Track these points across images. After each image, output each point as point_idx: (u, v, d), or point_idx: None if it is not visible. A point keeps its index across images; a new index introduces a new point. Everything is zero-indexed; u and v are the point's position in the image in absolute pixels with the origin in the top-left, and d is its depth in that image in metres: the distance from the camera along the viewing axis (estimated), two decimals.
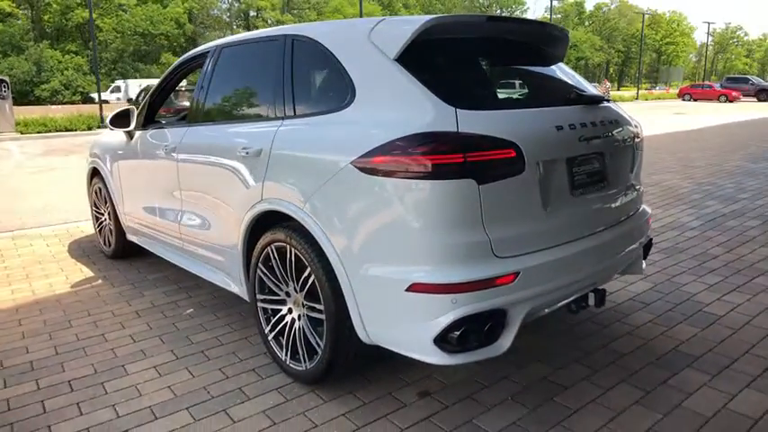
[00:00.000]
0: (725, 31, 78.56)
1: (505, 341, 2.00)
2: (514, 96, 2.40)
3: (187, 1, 56.03)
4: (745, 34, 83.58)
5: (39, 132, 17.30)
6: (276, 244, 2.43)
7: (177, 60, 3.69)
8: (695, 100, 36.78)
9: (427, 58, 2.14)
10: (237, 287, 2.86)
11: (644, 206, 2.77)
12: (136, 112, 3.81)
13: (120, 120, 3.80)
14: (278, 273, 2.50)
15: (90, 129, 18.25)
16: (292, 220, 2.33)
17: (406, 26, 2.13)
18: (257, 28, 58.40)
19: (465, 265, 1.89)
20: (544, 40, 2.57)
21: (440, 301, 1.88)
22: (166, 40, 54.24)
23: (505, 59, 2.48)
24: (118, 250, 4.46)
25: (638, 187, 2.69)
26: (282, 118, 2.48)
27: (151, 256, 4.43)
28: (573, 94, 2.41)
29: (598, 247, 2.29)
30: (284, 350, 2.52)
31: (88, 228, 5.62)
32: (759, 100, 35.28)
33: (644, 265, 2.75)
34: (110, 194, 4.29)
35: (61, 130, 17.78)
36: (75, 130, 18.05)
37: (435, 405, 2.28)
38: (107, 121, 3.77)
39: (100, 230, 4.70)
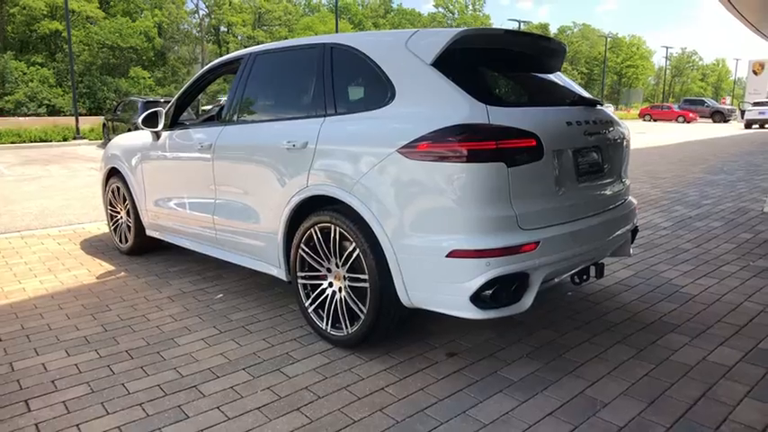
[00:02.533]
0: (681, 56, 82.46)
1: (528, 300, 2.39)
2: (527, 97, 2.83)
3: (157, 15, 55.80)
4: (700, 59, 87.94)
5: (12, 143, 17.13)
6: (320, 225, 2.78)
7: (207, 66, 4.02)
8: (655, 120, 38.50)
9: (458, 64, 2.54)
10: (276, 269, 3.18)
11: (631, 197, 3.22)
12: (164, 114, 4.11)
13: (149, 121, 4.10)
14: (320, 251, 2.84)
15: (65, 140, 18.17)
16: (337, 202, 2.69)
17: (440, 37, 2.54)
18: (228, 43, 58.43)
19: (496, 234, 2.28)
20: (548, 52, 3.01)
21: (476, 264, 2.26)
22: (135, 53, 53.80)
23: (517, 66, 2.91)
24: (135, 246, 4.70)
25: (625, 180, 3.14)
26: (324, 115, 2.84)
27: (167, 251, 4.69)
28: (576, 97, 2.86)
29: (598, 226, 2.71)
30: (324, 320, 2.85)
31: (93, 229, 5.83)
32: (714, 121, 37.17)
33: (631, 250, 3.19)
34: (130, 192, 4.55)
35: (36, 141, 17.65)
36: (50, 141, 17.93)
37: (462, 362, 2.65)
38: (138, 121, 4.07)
39: (115, 228, 4.93)
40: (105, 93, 47.49)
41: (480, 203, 2.27)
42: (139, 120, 4.04)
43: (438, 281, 2.37)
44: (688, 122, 36.01)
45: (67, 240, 5.38)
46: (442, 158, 2.29)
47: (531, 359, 2.66)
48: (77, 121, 19.17)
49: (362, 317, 2.65)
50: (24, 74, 47.58)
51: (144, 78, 50.62)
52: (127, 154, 4.56)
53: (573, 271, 2.71)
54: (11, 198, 8.11)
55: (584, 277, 2.86)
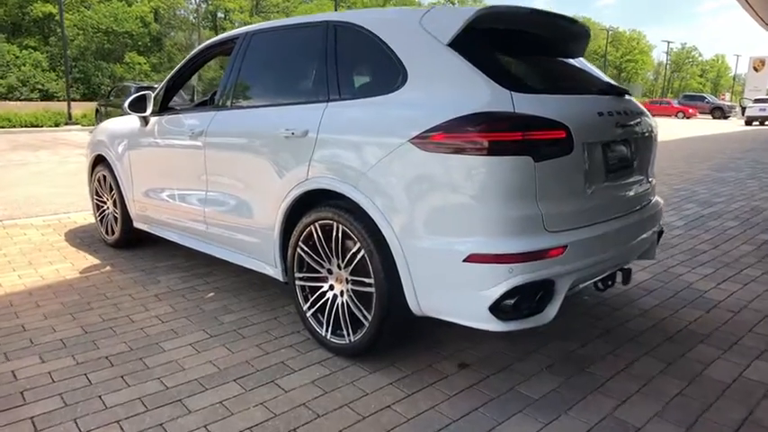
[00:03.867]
0: (681, 51, 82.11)
1: (552, 310, 2.14)
2: (554, 83, 2.56)
3: (153, 0, 55.06)
4: (700, 55, 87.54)
5: (2, 128, 16.75)
6: (321, 222, 2.52)
7: (199, 46, 3.74)
8: (654, 116, 38.07)
9: (478, 45, 2.28)
10: (271, 268, 2.93)
11: (657, 196, 2.98)
12: (152, 97, 3.83)
13: (137, 105, 3.82)
14: (320, 250, 2.58)
15: (57, 125, 17.79)
16: (341, 197, 2.43)
17: (459, 14, 2.27)
18: (224, 30, 57.77)
19: (521, 237, 2.03)
20: (573, 36, 2.75)
21: (497, 270, 2.01)
22: (130, 38, 53.10)
23: (541, 50, 2.65)
24: (122, 238, 4.43)
25: (652, 178, 2.89)
26: (327, 100, 2.58)
27: (155, 244, 4.42)
28: (605, 85, 2.60)
29: (626, 228, 2.47)
30: (324, 326, 2.60)
31: (80, 219, 5.55)
32: (714, 117, 36.99)
33: (656, 252, 2.95)
34: (117, 181, 4.27)
35: (26, 126, 17.26)
36: (41, 126, 17.55)
37: (476, 375, 2.41)
38: (125, 105, 3.78)
39: (101, 219, 4.66)
40: (100, 78, 46.92)
41: (503, 202, 2.01)
42: (125, 104, 3.76)
43: (453, 288, 2.12)
44: (688, 118, 35.80)
45: (52, 231, 5.11)
46: (461, 150, 2.03)
47: (552, 373, 2.42)
48: (69, 106, 18.79)
49: (366, 324, 2.41)
50: (17, 57, 46.91)
51: (139, 64, 50.08)
52: (113, 140, 4.28)
53: (600, 276, 2.47)
54: None
55: (609, 283, 2.62)
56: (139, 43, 52.88)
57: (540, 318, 2.12)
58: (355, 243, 2.38)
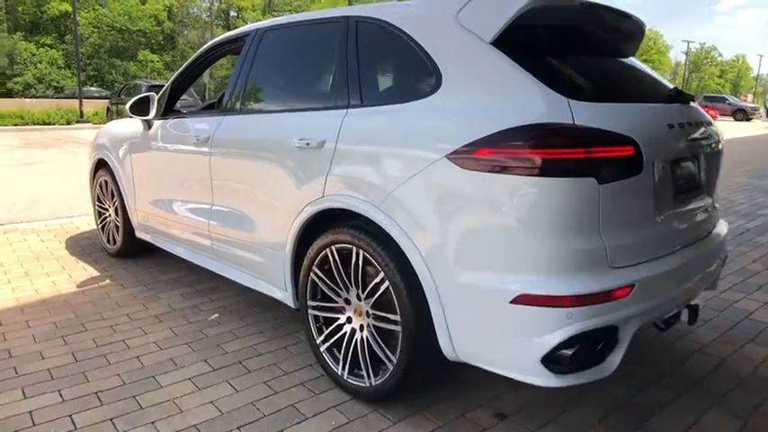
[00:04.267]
0: (699, 51, 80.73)
1: (615, 360, 1.80)
2: (615, 89, 2.21)
3: None
4: (719, 54, 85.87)
5: (15, 125, 16.64)
6: (338, 245, 2.20)
7: (207, 44, 3.44)
8: None
9: (527, 43, 1.95)
10: (281, 292, 2.61)
11: (722, 219, 2.62)
12: (156, 100, 3.53)
13: (140, 107, 3.52)
14: (337, 277, 2.26)
15: (69, 123, 17.67)
16: (362, 218, 2.10)
17: (503, 7, 1.93)
18: (237, 27, 57.69)
19: (581, 274, 1.69)
20: (626, 32, 2.40)
21: (552, 315, 1.67)
22: (144, 37, 53.19)
23: (593, 48, 2.29)
24: (123, 248, 4.15)
25: (716, 198, 2.54)
26: (347, 106, 2.25)
27: (159, 255, 4.13)
28: (673, 91, 2.24)
29: (696, 259, 2.11)
30: (340, 363, 2.28)
31: (83, 224, 5.28)
32: (735, 119, 36.08)
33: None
34: (119, 188, 3.98)
35: (39, 124, 17.14)
36: (54, 124, 17.43)
37: (517, 428, 2.07)
38: (126, 107, 3.49)
39: (103, 227, 4.38)
40: (114, 76, 47.06)
41: (560, 232, 1.68)
42: (127, 106, 3.47)
43: (497, 333, 1.79)
44: None
45: (53, 237, 4.84)
46: (509, 169, 1.70)
47: (606, 427, 2.08)
48: (81, 104, 18.66)
49: (390, 367, 2.08)
50: (33, 55, 47.23)
51: (152, 62, 50.21)
52: (115, 144, 3.99)
53: (667, 316, 2.12)
54: (3, 185, 7.58)
55: (672, 321, 2.26)
56: (153, 41, 52.98)
57: (600, 369, 1.78)
58: (378, 272, 2.06)
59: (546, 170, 1.65)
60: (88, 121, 18.06)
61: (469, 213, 1.79)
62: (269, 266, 2.65)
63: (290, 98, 2.75)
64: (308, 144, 2.30)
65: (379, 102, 2.20)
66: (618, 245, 1.75)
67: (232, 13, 61.82)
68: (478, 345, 1.85)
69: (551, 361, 1.71)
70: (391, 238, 1.98)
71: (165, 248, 3.64)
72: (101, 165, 4.25)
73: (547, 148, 1.65)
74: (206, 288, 3.55)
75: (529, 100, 1.76)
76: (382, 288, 2.05)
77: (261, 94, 2.91)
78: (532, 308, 1.69)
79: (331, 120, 2.26)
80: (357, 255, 2.13)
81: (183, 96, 3.82)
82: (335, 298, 2.31)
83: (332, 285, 2.30)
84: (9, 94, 42.86)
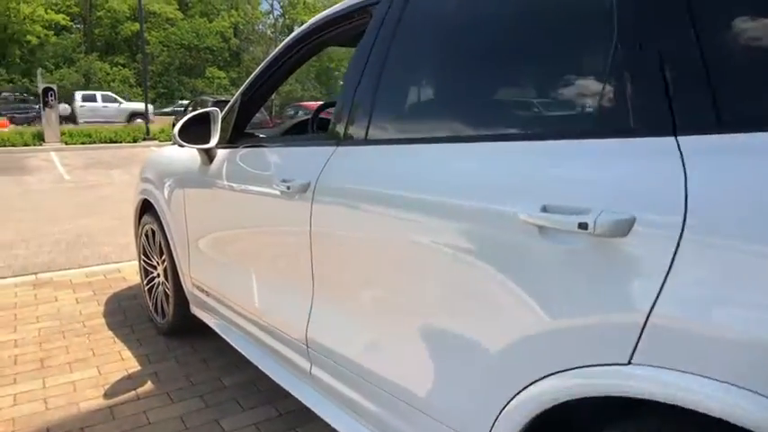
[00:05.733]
0: None
1: None
2: None
3: (233, 16, 56.12)
4: None
5: (83, 143, 16.34)
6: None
7: (294, 33, 2.19)
8: None
9: None
10: None
11: None
12: (219, 119, 2.33)
13: (194, 130, 2.31)
14: None
15: (135, 141, 17.27)
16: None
17: None
18: None
19: None
20: None
21: None
22: (211, 54, 54.20)
23: None
24: (175, 325, 2.98)
25: None
26: (673, 132, 0.90)
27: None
28: None
29: None
30: None
31: (130, 272, 4.20)
32: None
33: None
34: (168, 243, 2.81)
35: (106, 142, 16.81)
36: (120, 142, 17.06)
37: None
38: (173, 132, 2.28)
39: (149, 290, 3.23)
40: (183, 93, 48.01)
41: None
42: (175, 130, 2.26)
43: None
44: None
45: (92, 294, 3.77)
46: None
47: None
48: (148, 121, 18.31)
49: None
50: (108, 74, 48.99)
51: (219, 78, 51.09)
52: (163, 181, 2.82)
53: None
54: (56, 213, 6.76)
55: None
56: (219, 58, 53.91)
57: None
58: None
59: None
60: (155, 139, 17.62)
61: None
62: (453, 413, 1.32)
63: (502, 115, 1.34)
64: (575, 226, 0.94)
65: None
66: None
67: (296, 29, 62.30)
68: None
69: None
70: None
71: (232, 343, 2.40)
72: (147, 206, 3.11)
73: None
74: (290, 407, 2.29)
75: None
76: None
77: (419, 108, 1.62)
78: None
79: (650, 166, 0.91)
80: None
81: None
82: None
83: None
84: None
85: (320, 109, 2.49)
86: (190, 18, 53.67)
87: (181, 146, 2.29)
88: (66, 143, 16.04)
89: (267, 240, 2.00)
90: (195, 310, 2.75)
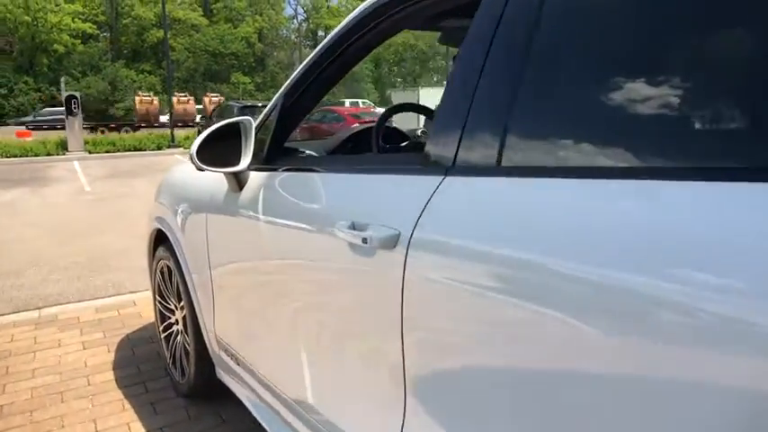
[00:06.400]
0: None
1: None
2: None
3: (257, 21, 56.18)
4: None
5: (107, 152, 16.05)
6: None
7: (355, 12, 1.53)
8: None
9: None
10: None
11: None
12: (251, 132, 1.70)
13: (218, 147, 1.68)
14: None
15: (159, 148, 16.94)
16: None
17: None
18: None
19: None
20: None
21: None
22: (236, 59, 54.27)
23: None
24: (197, 387, 2.36)
25: None
26: None
27: None
28: None
29: None
30: None
31: (146, 305, 3.61)
32: None
33: None
34: (187, 287, 2.20)
35: (129, 150, 16.49)
36: (144, 150, 16.74)
37: None
38: (191, 150, 1.66)
39: (167, 338, 2.63)
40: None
41: None
42: (193, 148, 1.63)
43: None
44: None
45: (101, 336, 3.19)
46: None
47: None
48: (172, 128, 17.98)
49: None
50: (134, 81, 49.42)
51: (244, 84, 51.18)
52: (180, 207, 2.21)
53: None
54: (72, 230, 6.28)
55: None
56: (244, 63, 53.99)
57: None
58: None
59: None
60: (179, 146, 17.24)
61: None
62: None
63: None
64: None
65: None
66: None
67: (320, 33, 62.13)
68: None
69: None
70: None
71: (265, 426, 1.75)
72: (161, 239, 2.50)
73: None
74: None
75: None
76: None
77: (601, 121, 0.94)
78: None
79: None
80: None
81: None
82: None
83: None
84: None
85: (386, 115, 1.84)
86: (215, 24, 53.92)
87: (200, 169, 1.65)
88: (90, 152, 15.76)
89: (327, 314, 1.36)
90: (222, 376, 2.13)
